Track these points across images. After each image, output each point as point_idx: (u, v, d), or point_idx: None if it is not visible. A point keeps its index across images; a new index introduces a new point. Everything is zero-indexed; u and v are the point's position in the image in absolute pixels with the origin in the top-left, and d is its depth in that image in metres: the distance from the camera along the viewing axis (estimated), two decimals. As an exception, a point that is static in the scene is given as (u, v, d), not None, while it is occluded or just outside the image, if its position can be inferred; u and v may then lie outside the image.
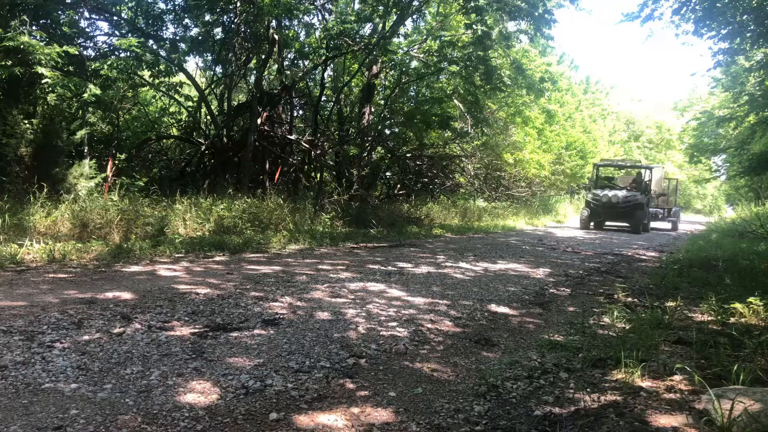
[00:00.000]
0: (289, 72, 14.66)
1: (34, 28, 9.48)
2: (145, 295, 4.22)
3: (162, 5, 12.75)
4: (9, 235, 6.40)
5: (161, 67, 11.33)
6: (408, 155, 16.64)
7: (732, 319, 4.09)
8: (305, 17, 14.21)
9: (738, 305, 4.23)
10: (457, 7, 14.10)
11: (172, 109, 15.57)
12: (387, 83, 16.40)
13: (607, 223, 18.63)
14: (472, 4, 12.28)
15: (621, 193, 17.19)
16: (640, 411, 2.43)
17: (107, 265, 5.68)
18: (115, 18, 12.40)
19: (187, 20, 12.75)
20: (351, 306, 4.27)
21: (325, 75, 16.16)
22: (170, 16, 12.72)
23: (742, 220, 15.19)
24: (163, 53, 11.65)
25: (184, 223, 8.52)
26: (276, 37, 13.03)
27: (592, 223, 18.05)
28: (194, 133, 14.58)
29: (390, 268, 6.37)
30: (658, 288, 5.85)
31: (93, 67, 10.06)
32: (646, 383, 2.77)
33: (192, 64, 16.42)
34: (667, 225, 20.89)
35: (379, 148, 16.37)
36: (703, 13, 10.35)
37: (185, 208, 9.00)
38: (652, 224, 19.34)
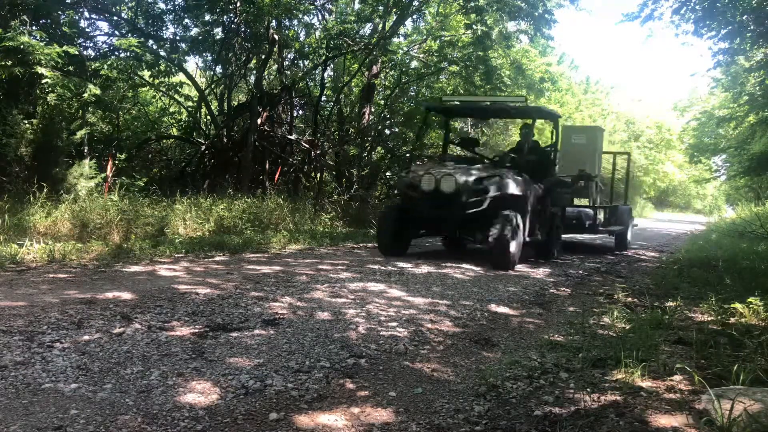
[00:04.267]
0: (289, 72, 14.66)
1: (34, 28, 9.48)
2: (145, 295, 4.22)
3: (162, 5, 12.76)
4: (9, 235, 6.40)
5: (161, 67, 11.33)
6: (408, 155, 16.60)
7: (732, 319, 4.09)
8: (305, 17, 14.21)
9: (738, 305, 4.23)
10: (457, 7, 14.10)
11: (172, 109, 15.56)
12: (387, 83, 16.39)
13: (441, 237, 9.10)
14: (472, 4, 12.29)
15: (464, 175, 7.15)
16: (640, 411, 2.43)
17: (107, 265, 5.68)
18: (115, 18, 12.40)
19: (187, 20, 12.75)
20: (351, 306, 4.27)
21: (325, 75, 16.15)
22: (170, 16, 12.72)
23: (742, 220, 15.18)
24: (163, 53, 11.65)
25: (184, 223, 8.51)
26: (276, 37, 13.03)
27: (414, 238, 8.06)
28: (194, 133, 14.57)
29: (390, 268, 6.36)
30: (658, 288, 5.85)
31: (93, 67, 10.06)
32: (646, 383, 2.77)
33: (192, 64, 16.41)
34: (605, 238, 11.68)
35: (379, 148, 16.37)
36: (703, 13, 10.36)
37: (185, 208, 9.00)
38: (578, 236, 11.04)
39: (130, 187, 10.08)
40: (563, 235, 9.06)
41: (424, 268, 6.45)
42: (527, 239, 7.35)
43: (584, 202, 10.66)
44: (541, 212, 7.81)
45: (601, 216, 10.50)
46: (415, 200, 7.30)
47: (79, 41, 11.01)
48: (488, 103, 9.48)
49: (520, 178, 7.26)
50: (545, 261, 7.94)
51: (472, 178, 7.07)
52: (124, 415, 2.19)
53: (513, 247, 6.78)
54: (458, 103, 9.87)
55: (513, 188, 7.13)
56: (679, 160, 38.65)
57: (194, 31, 12.90)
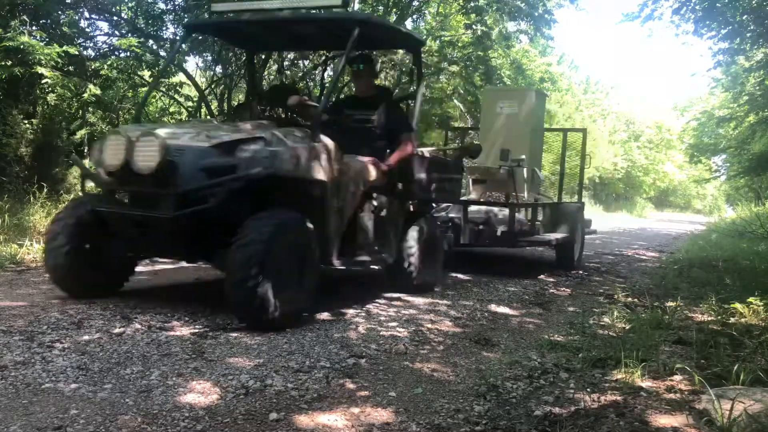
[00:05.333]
0: (289, 72, 14.65)
1: (34, 28, 9.47)
2: (146, 295, 4.22)
3: (162, 5, 12.75)
4: (9, 235, 6.39)
5: (161, 67, 11.32)
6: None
7: (732, 319, 4.09)
8: (305, 17, 14.19)
9: (738, 305, 4.24)
10: (457, 7, 14.11)
11: (172, 109, 15.55)
12: (387, 83, 16.40)
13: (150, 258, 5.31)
14: (472, 4, 12.30)
15: (190, 138, 3.63)
16: (641, 411, 2.43)
17: (107, 265, 5.66)
18: (115, 18, 12.40)
19: (187, 20, 12.74)
20: (351, 306, 4.27)
21: (325, 75, 16.16)
22: (170, 16, 12.72)
23: (742, 220, 15.19)
24: (163, 53, 11.64)
25: (184, 223, 8.50)
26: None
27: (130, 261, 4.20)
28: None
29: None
30: (658, 288, 5.86)
31: (93, 67, 10.06)
32: (646, 383, 2.77)
33: (192, 64, 16.42)
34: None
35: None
36: (703, 13, 10.36)
37: (185, 207, 8.98)
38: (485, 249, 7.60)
39: (130, 187, 10.06)
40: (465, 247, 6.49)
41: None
42: (338, 261, 4.00)
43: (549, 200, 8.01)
44: (383, 212, 4.49)
45: (526, 218, 7.23)
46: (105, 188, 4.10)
47: (79, 41, 10.99)
48: (281, 14, 4.79)
49: (317, 145, 3.75)
50: (421, 294, 4.82)
51: (204, 144, 3.59)
52: (124, 415, 2.19)
53: (273, 281, 3.31)
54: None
55: (295, 165, 3.62)
56: (679, 161, 38.66)
57: (194, 31, 12.89)
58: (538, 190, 7.68)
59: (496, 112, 7.54)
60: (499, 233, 6.52)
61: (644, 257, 9.64)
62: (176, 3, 12.77)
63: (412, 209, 5.07)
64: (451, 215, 6.16)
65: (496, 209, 6.88)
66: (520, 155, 6.75)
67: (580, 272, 7.06)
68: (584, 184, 10.32)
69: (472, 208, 6.68)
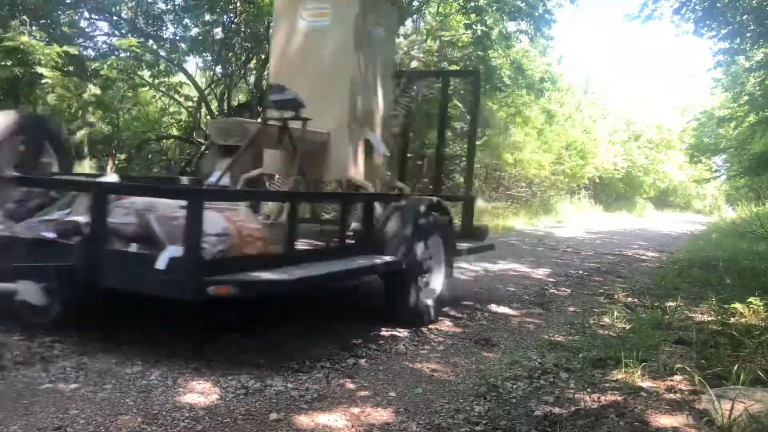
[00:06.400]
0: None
1: (34, 28, 9.48)
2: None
3: (162, 5, 12.76)
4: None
5: (161, 67, 11.33)
6: (408, 155, 16.55)
7: (732, 319, 4.09)
8: (305, 17, 14.21)
9: (738, 305, 4.24)
10: (457, 7, 14.11)
11: (172, 109, 15.55)
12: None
13: None
14: (472, 4, 12.30)
15: None
16: (641, 411, 2.43)
17: (107, 265, 5.66)
18: (115, 18, 12.41)
19: (187, 20, 12.75)
20: (351, 305, 4.26)
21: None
22: (170, 16, 12.73)
23: (742, 220, 15.19)
24: (163, 53, 11.66)
25: (184, 223, 8.49)
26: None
27: None
28: (194, 133, 14.57)
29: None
30: (658, 288, 5.86)
31: (93, 67, 10.06)
32: (647, 383, 2.77)
33: (192, 64, 16.43)
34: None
35: (379, 149, 16.37)
36: (703, 13, 10.36)
37: (185, 208, 8.97)
38: None
39: (130, 187, 10.05)
40: None
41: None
42: None
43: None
44: None
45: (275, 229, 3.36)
46: None
47: (79, 41, 11.00)
48: None
49: None
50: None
51: None
52: (124, 415, 2.19)
53: None
54: None
55: None
56: (679, 161, 38.64)
57: (194, 31, 12.90)
58: (378, 173, 4.45)
59: (295, 26, 4.20)
60: (162, 265, 2.60)
61: (644, 257, 9.63)
62: (176, 3, 12.78)
63: None
64: (74, 218, 3.00)
65: (165, 205, 2.96)
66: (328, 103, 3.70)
67: (580, 272, 7.03)
68: (585, 183, 9.76)
69: (119, 204, 2.99)
